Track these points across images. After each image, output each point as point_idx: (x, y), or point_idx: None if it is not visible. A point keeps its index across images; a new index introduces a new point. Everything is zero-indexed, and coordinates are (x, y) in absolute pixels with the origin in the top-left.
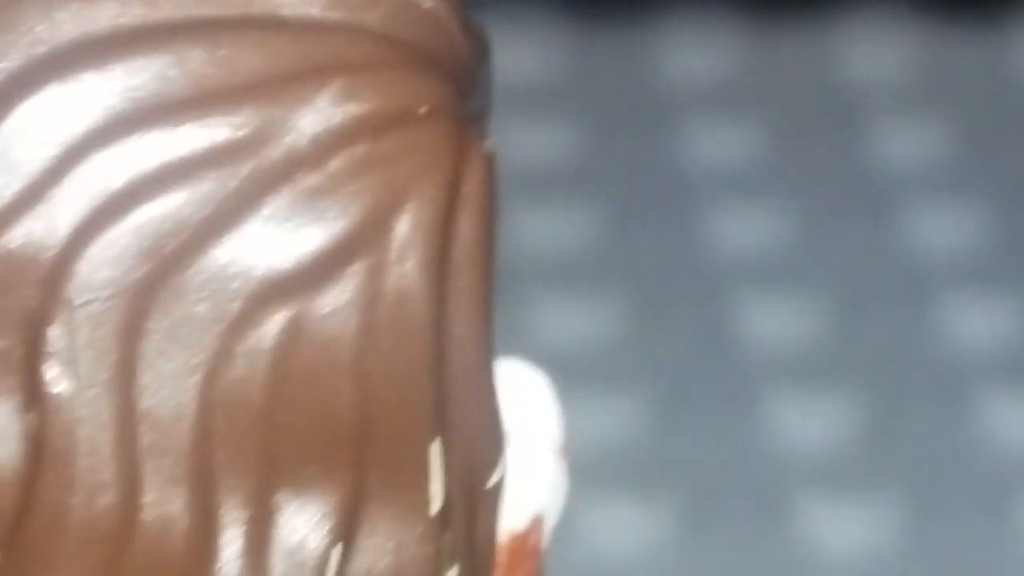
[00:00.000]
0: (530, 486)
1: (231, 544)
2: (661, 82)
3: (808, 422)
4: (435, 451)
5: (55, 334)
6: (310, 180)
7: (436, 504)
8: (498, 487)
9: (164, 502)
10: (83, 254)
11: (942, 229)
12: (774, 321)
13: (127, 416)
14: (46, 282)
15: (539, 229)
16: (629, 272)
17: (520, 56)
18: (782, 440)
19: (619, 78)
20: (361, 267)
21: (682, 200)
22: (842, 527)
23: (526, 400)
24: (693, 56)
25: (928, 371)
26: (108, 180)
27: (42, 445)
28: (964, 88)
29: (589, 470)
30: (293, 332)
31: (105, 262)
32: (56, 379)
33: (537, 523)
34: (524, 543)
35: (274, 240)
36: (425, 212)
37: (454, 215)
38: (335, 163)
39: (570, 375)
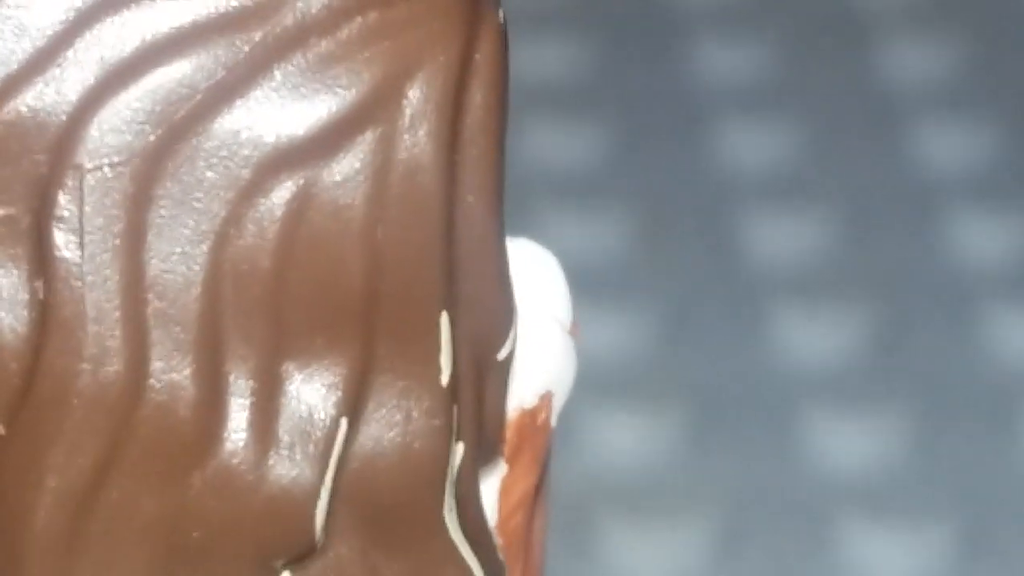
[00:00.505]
0: (539, 362)
1: (238, 414)
2: (672, 2)
3: (815, 337)
4: (444, 322)
5: (64, 201)
6: (322, 47)
7: (445, 376)
8: (507, 361)
9: (172, 370)
10: (93, 120)
11: (950, 146)
12: (782, 238)
13: (135, 283)
14: (55, 148)
15: (550, 147)
16: (638, 189)
17: None
18: (789, 355)
19: (630, 2)
20: (372, 136)
21: (692, 118)
22: (848, 441)
23: (536, 279)
24: None
25: (935, 286)
26: (119, 46)
27: (50, 312)
28: (974, 6)
29: (597, 384)
30: (303, 200)
31: (115, 128)
32: (64, 246)
33: (546, 400)
34: (533, 420)
35: (285, 108)
36: (437, 80)
37: (466, 84)
38: (347, 30)
39: (580, 290)
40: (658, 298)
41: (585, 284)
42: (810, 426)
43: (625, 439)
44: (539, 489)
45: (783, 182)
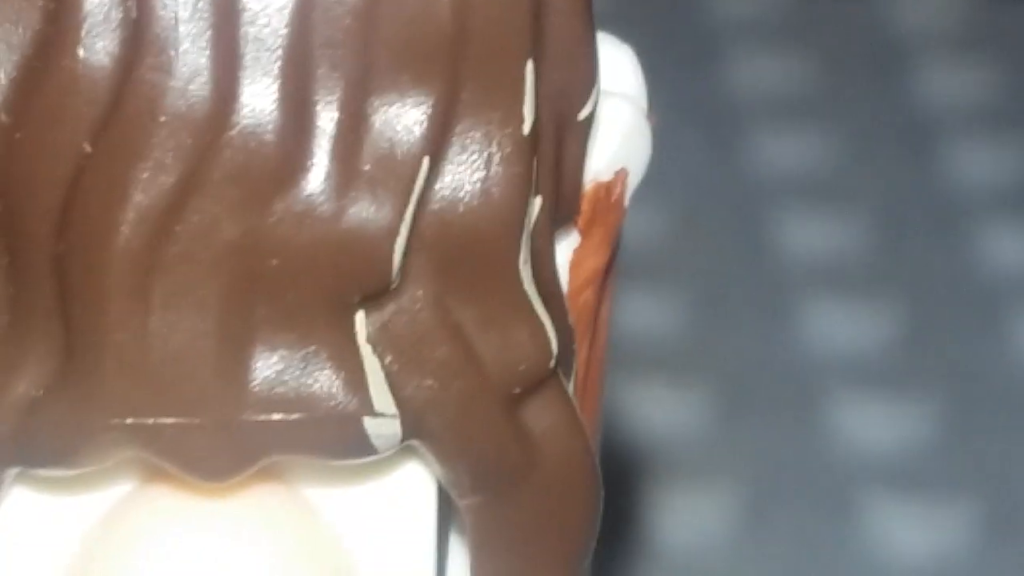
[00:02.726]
0: (617, 139)
1: (322, 144)
2: (711, 16)
3: (843, 327)
4: (529, 71)
5: None
6: None
7: (527, 125)
8: (588, 122)
9: (259, 95)
10: None
11: (980, 159)
12: (814, 236)
13: (227, 6)
14: None
15: None
16: (674, 186)
17: None
18: (817, 342)
19: (670, 11)
20: None
21: (729, 124)
22: (873, 424)
23: (614, 64)
24: None
25: (961, 284)
26: None
27: (141, 30)
28: (1008, 29)
29: (630, 362)
30: None
31: None
32: None
33: (621, 176)
34: (607, 194)
35: None
36: None
37: None
38: None
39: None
40: (692, 286)
41: (623, 269)
42: (836, 409)
43: (658, 413)
44: (609, 270)
45: (817, 185)
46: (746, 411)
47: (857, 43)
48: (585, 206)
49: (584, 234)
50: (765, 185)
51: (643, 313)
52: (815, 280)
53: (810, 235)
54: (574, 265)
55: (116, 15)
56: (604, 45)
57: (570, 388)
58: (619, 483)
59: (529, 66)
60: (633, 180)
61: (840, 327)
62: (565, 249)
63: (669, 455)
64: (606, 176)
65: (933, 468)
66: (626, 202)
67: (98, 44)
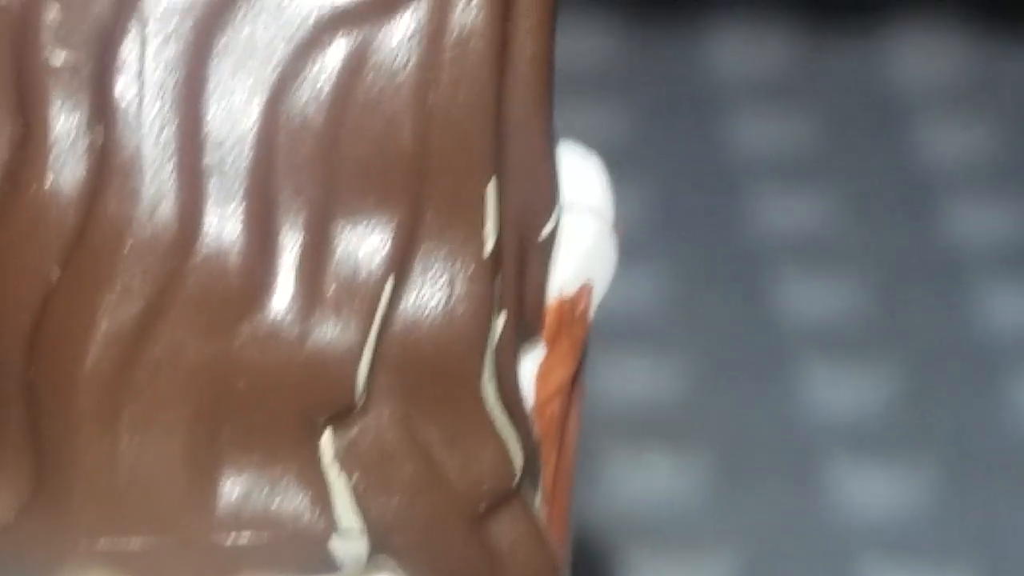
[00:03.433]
0: (582, 253)
1: (286, 267)
2: (712, 74)
3: (843, 392)
4: (490, 190)
5: (126, 49)
6: None
7: (489, 245)
8: (550, 240)
9: (223, 220)
10: None
11: (980, 219)
12: (814, 297)
13: (192, 133)
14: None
15: None
16: (674, 247)
17: (573, 42)
18: (816, 408)
19: (670, 68)
20: (427, 2)
21: (728, 184)
22: (874, 492)
23: (580, 175)
24: (743, 50)
25: (962, 349)
26: None
27: (107, 157)
28: (1010, 87)
29: (628, 427)
30: (358, 59)
31: None
32: (124, 94)
33: (586, 290)
34: (572, 308)
35: None
36: None
37: None
38: None
39: (613, 339)
40: (691, 349)
41: (622, 333)
42: (836, 473)
43: (654, 480)
44: (576, 381)
45: (817, 247)
46: (744, 477)
47: (857, 102)
48: (550, 319)
49: (550, 347)
50: (764, 246)
51: (640, 378)
52: (814, 343)
53: (809, 298)
54: (540, 377)
55: (83, 143)
56: (570, 155)
57: (537, 500)
58: (617, 552)
59: (491, 187)
60: (598, 293)
61: (840, 391)
62: (531, 362)
63: (666, 523)
64: (571, 290)
65: (932, 533)
66: (591, 314)
67: (65, 171)
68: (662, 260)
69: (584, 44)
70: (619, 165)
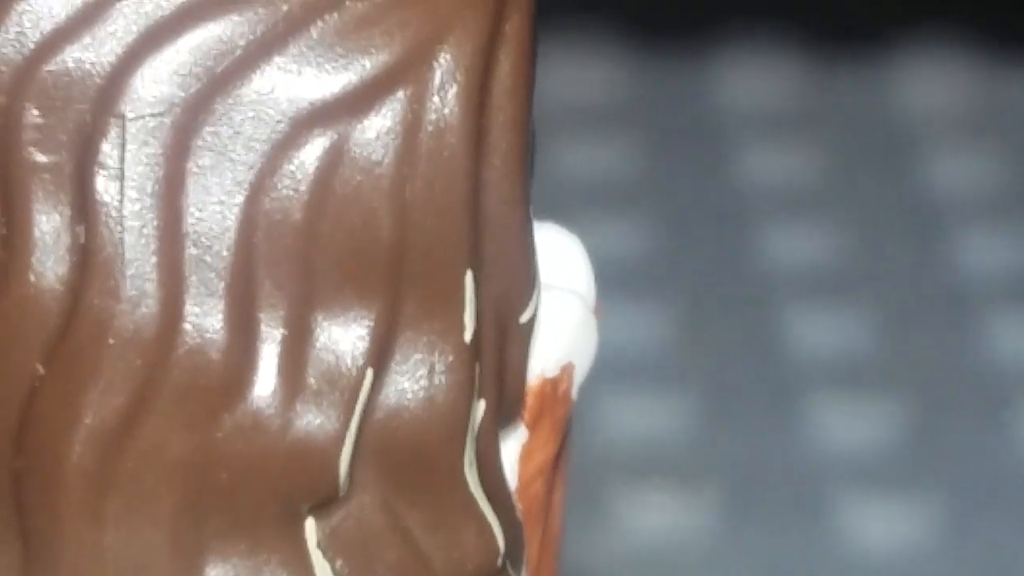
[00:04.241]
0: (561, 334)
1: (268, 360)
2: (719, 106)
3: (851, 427)
4: (468, 281)
5: (106, 148)
6: (357, 9)
7: (468, 333)
8: (529, 325)
9: (205, 315)
10: (136, 72)
11: (987, 251)
12: (822, 332)
13: (172, 230)
14: (99, 98)
15: (597, 241)
16: (682, 282)
17: (579, 75)
18: (823, 442)
19: (679, 101)
20: (403, 96)
21: (736, 217)
22: (880, 529)
23: (561, 258)
24: (750, 82)
25: (970, 383)
26: (161, 3)
27: (90, 255)
28: (1015, 120)
29: (635, 465)
30: (335, 155)
31: (157, 80)
32: (105, 192)
33: (567, 371)
34: (554, 390)
35: (320, 65)
36: (467, 45)
37: (495, 50)
38: None
39: (624, 376)
40: (697, 385)
41: (628, 371)
42: (843, 510)
43: (661, 518)
44: (559, 460)
45: (824, 280)
46: (753, 513)
47: (863, 134)
48: (532, 401)
49: (532, 428)
50: (771, 280)
51: (646, 414)
52: (822, 377)
53: (817, 331)
54: (523, 459)
55: (65, 241)
56: (551, 236)
57: None
58: None
59: (468, 276)
60: (580, 374)
61: (848, 425)
62: (513, 444)
63: (675, 562)
64: (553, 372)
65: (941, 569)
66: (573, 396)
67: (48, 270)
68: (668, 294)
69: (590, 77)
70: (625, 198)
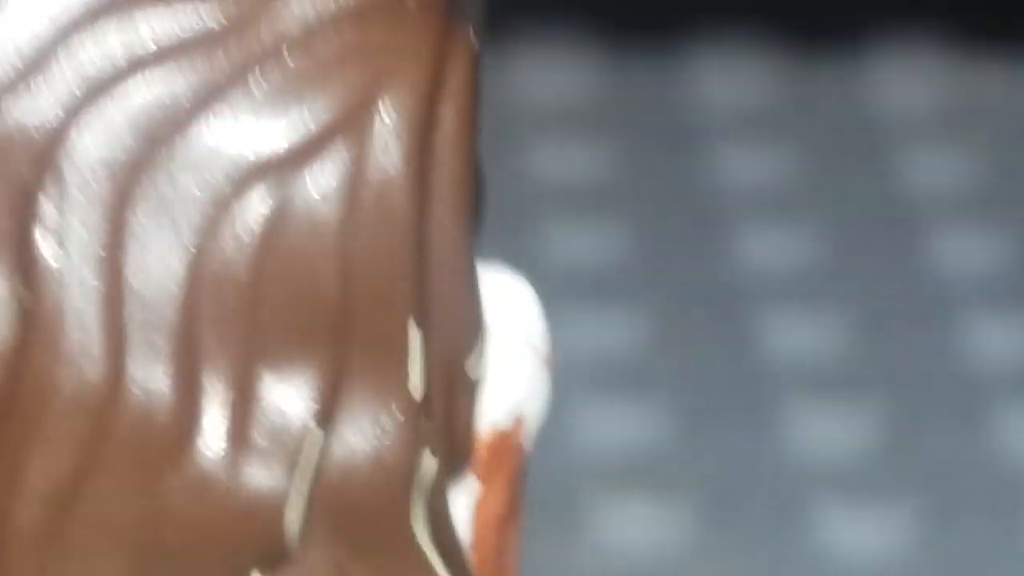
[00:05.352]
0: (512, 385)
1: (214, 419)
2: (693, 106)
3: (827, 431)
4: (415, 335)
5: (47, 209)
6: (298, 64)
7: (415, 386)
8: (477, 375)
9: (150, 377)
10: (75, 131)
11: (965, 251)
12: (798, 336)
13: (115, 291)
14: (39, 159)
15: (570, 246)
16: (657, 286)
17: (551, 76)
18: (801, 447)
19: (652, 101)
20: (344, 150)
21: (711, 220)
22: (859, 535)
23: (511, 306)
24: (725, 82)
25: (947, 387)
26: (100, 60)
27: (32, 317)
28: (994, 115)
29: (610, 473)
30: (279, 212)
31: (95, 137)
32: (46, 252)
33: (519, 422)
34: (506, 441)
35: (261, 122)
36: (408, 97)
37: (437, 104)
38: (322, 48)
39: (598, 382)
40: (672, 391)
41: (603, 377)
42: (822, 516)
43: (637, 527)
44: (513, 511)
45: (799, 284)
46: (729, 521)
47: (839, 134)
48: (484, 454)
49: (485, 480)
50: (746, 283)
51: (620, 420)
52: (798, 381)
53: (793, 335)
54: (477, 511)
55: (7, 303)
56: (502, 285)
57: None
58: None
59: (414, 329)
60: (532, 425)
61: (824, 429)
62: (465, 499)
63: (651, 572)
64: (505, 424)
65: (920, 572)
66: (526, 446)
67: None
68: (643, 298)
69: (563, 79)
70: (599, 201)
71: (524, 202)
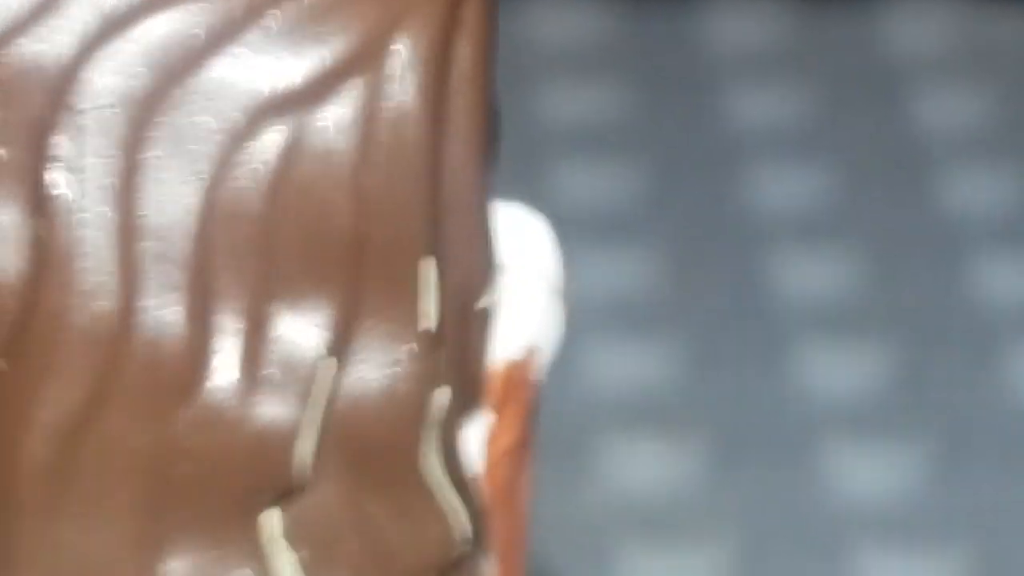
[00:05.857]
0: (525, 317)
1: (226, 352)
2: (707, 46)
3: (838, 371)
4: (429, 268)
5: (61, 141)
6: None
7: (429, 321)
8: (490, 309)
9: (162, 307)
10: (89, 64)
11: (976, 191)
12: (810, 276)
13: (128, 222)
14: (53, 91)
15: (583, 186)
16: (670, 226)
17: (565, 18)
18: (812, 387)
19: (666, 41)
20: (361, 85)
21: (724, 159)
22: (870, 473)
23: (524, 240)
24: (739, 22)
25: (959, 326)
26: None
27: (46, 249)
28: (1007, 55)
29: (622, 412)
30: (293, 145)
31: (111, 72)
32: (61, 185)
33: (532, 355)
34: (520, 373)
35: (277, 56)
36: (424, 32)
37: (453, 37)
38: None
39: (610, 322)
40: (684, 331)
41: (614, 317)
42: (832, 455)
43: (648, 466)
44: (525, 443)
45: (811, 223)
46: (740, 460)
47: (852, 74)
48: (497, 385)
49: (498, 411)
50: (759, 223)
51: (632, 360)
52: (810, 321)
53: (805, 274)
54: (489, 442)
55: (21, 236)
56: (516, 218)
57: (488, 564)
58: (610, 539)
59: (428, 263)
60: (546, 356)
61: (836, 369)
62: (477, 428)
63: (660, 509)
64: (518, 356)
65: (929, 514)
66: (539, 378)
67: (5, 264)
68: (655, 239)
69: (577, 19)
70: (612, 143)
71: (538, 142)
